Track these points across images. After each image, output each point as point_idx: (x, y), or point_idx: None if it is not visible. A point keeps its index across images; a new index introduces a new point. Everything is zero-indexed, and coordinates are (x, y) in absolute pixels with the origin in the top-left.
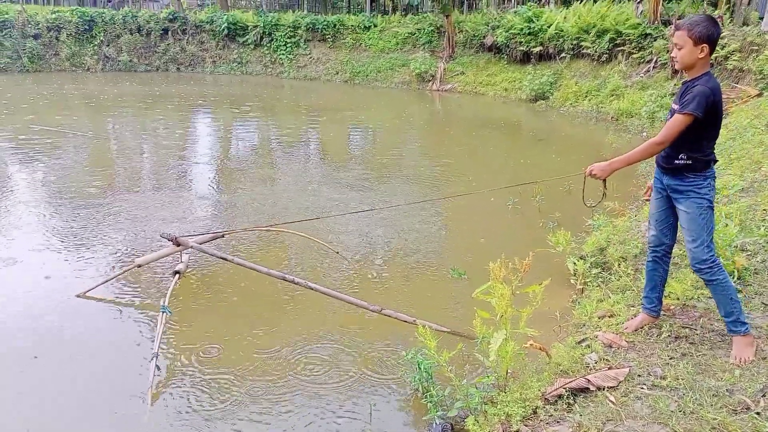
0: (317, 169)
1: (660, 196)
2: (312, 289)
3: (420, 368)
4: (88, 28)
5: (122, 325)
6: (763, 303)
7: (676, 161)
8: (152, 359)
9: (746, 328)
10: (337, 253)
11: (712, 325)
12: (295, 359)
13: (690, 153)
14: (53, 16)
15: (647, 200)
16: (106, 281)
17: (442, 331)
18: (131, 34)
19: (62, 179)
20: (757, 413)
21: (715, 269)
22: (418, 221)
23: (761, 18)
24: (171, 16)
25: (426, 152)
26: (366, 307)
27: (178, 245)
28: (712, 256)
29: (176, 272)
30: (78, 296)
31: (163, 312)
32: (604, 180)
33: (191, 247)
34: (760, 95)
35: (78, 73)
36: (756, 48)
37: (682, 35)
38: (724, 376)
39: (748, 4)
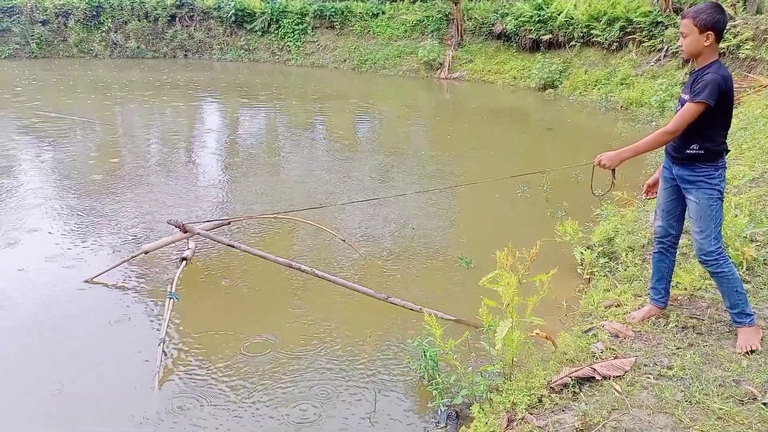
0: (324, 157)
1: (669, 186)
2: (318, 276)
3: (426, 356)
4: (95, 14)
5: (129, 311)
6: None
7: (688, 151)
8: (160, 344)
9: (751, 320)
10: (344, 240)
11: (719, 315)
12: (300, 346)
13: (702, 142)
14: (61, 2)
15: (651, 198)
16: (114, 267)
17: (448, 320)
18: (139, 20)
19: (70, 165)
20: (764, 404)
21: (721, 261)
22: (425, 210)
23: None
24: (178, 3)
25: (434, 141)
26: (372, 295)
27: (185, 232)
28: (719, 247)
29: (183, 259)
30: (86, 282)
31: (170, 298)
32: (613, 170)
33: (198, 233)
34: None
35: (86, 60)
36: None
37: (687, 23)
38: (731, 367)
39: None
